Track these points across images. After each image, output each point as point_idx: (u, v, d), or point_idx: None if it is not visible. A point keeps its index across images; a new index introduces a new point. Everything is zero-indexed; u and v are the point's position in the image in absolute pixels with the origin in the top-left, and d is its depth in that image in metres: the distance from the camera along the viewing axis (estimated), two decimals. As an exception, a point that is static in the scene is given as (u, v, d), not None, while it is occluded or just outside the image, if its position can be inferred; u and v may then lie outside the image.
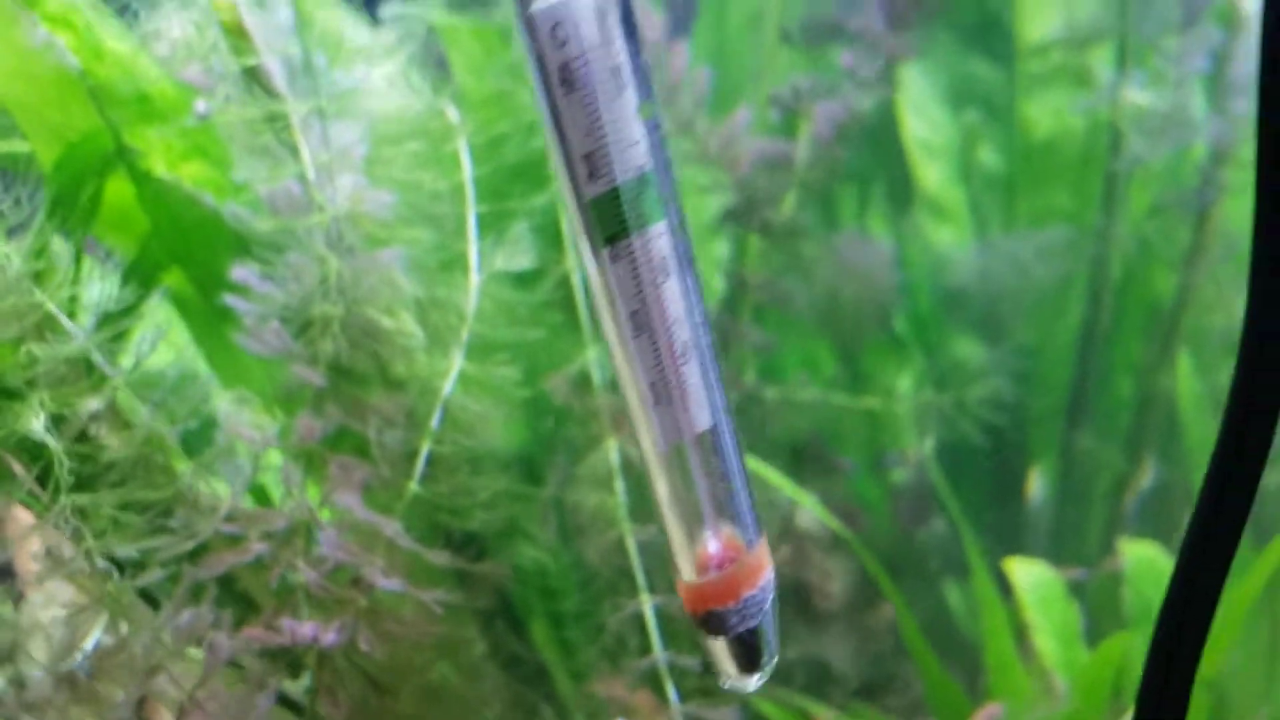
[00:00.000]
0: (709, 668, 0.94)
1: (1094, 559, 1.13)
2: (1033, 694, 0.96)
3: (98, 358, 0.79)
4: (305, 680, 0.87)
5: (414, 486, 0.85)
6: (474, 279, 0.92)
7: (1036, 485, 1.20)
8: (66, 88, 0.93)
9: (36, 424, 0.77)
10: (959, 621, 1.16)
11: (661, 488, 0.47)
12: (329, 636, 0.78)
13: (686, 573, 0.49)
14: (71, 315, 0.84)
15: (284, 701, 0.87)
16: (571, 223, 0.43)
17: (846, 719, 0.93)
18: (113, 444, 0.84)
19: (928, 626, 1.02)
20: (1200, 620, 0.57)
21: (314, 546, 0.81)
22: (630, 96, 0.41)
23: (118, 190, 0.97)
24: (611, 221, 0.42)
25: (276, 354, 0.85)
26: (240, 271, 0.86)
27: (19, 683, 1.28)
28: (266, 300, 0.86)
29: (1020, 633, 0.99)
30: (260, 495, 0.92)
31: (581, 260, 0.97)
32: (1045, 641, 0.96)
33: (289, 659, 0.85)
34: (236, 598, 0.90)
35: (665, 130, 0.43)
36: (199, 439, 0.89)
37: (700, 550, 0.49)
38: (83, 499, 0.78)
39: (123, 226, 0.99)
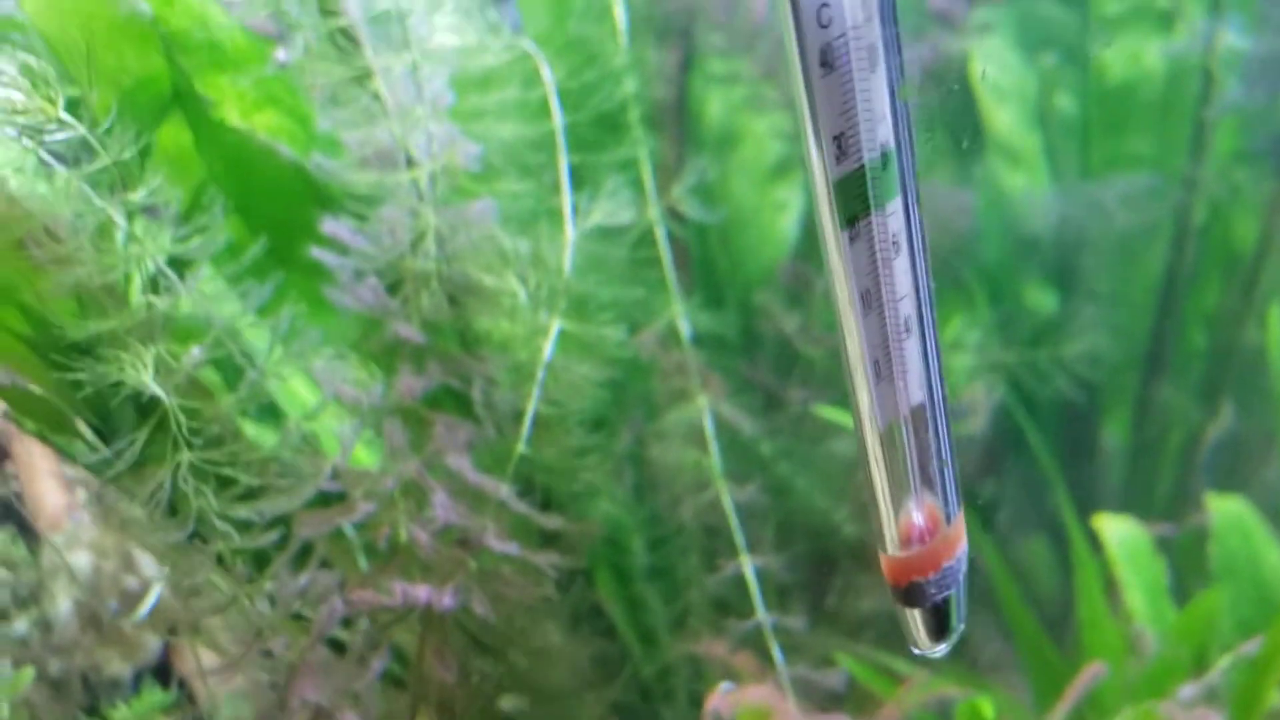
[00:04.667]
0: (817, 628, 0.95)
1: (1168, 512, 1.13)
2: (1123, 650, 0.96)
3: (207, 308, 0.77)
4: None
5: (521, 448, 0.84)
6: (569, 234, 0.90)
7: (1111, 437, 1.20)
8: (131, 33, 0.91)
9: (148, 376, 0.75)
10: (1030, 576, 1.16)
11: (876, 462, 0.46)
12: (445, 599, 0.77)
13: (892, 546, 0.49)
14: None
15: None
16: (815, 200, 0.41)
17: (941, 679, 0.93)
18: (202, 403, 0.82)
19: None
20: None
21: (426, 508, 0.79)
22: (882, 74, 0.40)
23: (172, 138, 0.95)
24: (855, 201, 0.41)
25: (373, 310, 0.83)
26: (332, 225, 0.84)
27: (45, 625, 1.27)
28: (361, 255, 0.84)
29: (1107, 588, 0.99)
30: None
31: (664, 212, 0.96)
32: (1135, 598, 0.96)
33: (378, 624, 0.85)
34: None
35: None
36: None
37: (905, 522, 0.48)
38: (198, 455, 0.76)
39: (176, 175, 0.96)
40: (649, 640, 1.03)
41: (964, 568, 0.51)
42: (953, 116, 1.20)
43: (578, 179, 0.92)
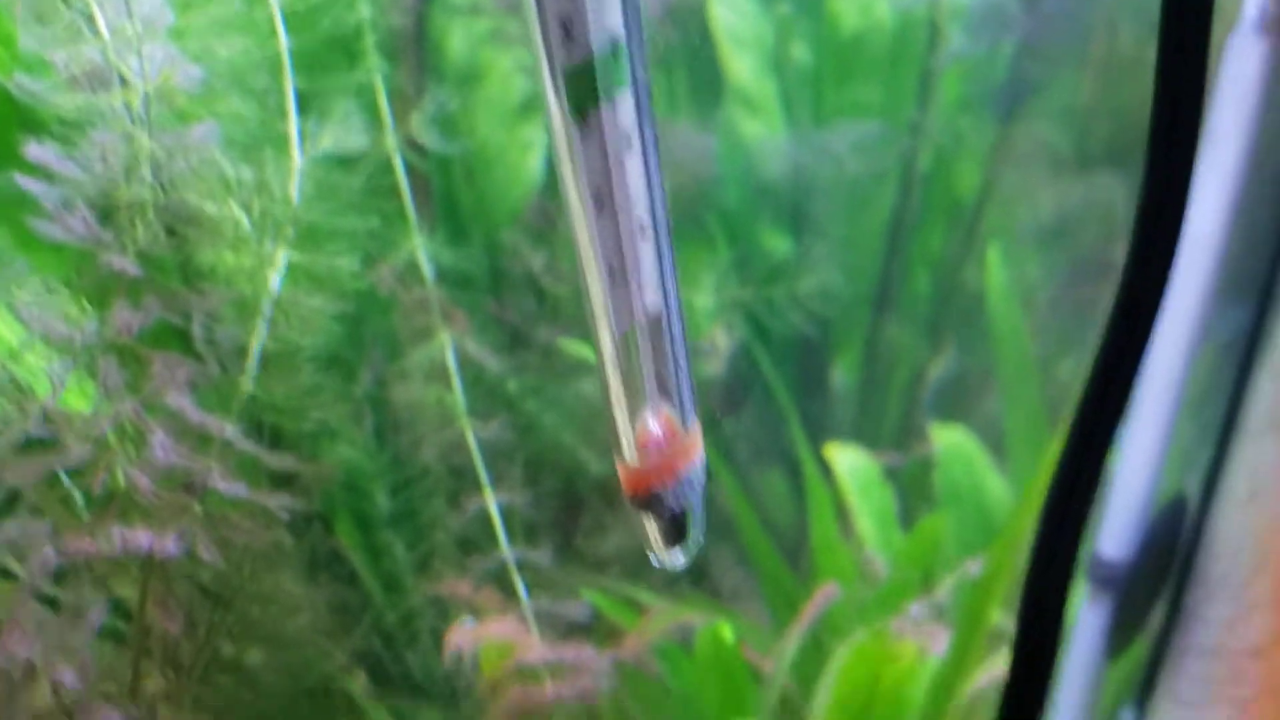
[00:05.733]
0: (561, 562, 0.94)
1: (896, 443, 1.19)
2: (855, 574, 1.00)
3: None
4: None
5: (248, 386, 0.80)
6: (296, 160, 0.86)
7: (842, 373, 1.25)
8: None
9: None
10: (768, 507, 1.20)
11: (612, 370, 0.46)
12: (168, 545, 0.73)
13: (629, 455, 0.48)
14: None
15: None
16: (543, 92, 0.40)
17: (683, 607, 0.95)
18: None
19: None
20: (1084, 499, 0.60)
21: (145, 450, 0.75)
22: (608, -46, 0.39)
23: None
24: (584, 92, 0.40)
25: (84, 242, 0.77)
26: (37, 150, 0.77)
27: None
28: (70, 183, 0.77)
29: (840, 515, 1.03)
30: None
31: (402, 142, 0.94)
32: (865, 524, 1.00)
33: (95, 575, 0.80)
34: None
35: None
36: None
37: (641, 431, 0.48)
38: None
39: None
40: (392, 585, 1.00)
41: (702, 475, 0.51)
42: (693, 62, 1.22)
43: (308, 104, 0.88)
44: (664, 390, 0.47)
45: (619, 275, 0.44)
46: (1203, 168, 0.98)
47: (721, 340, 1.21)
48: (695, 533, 0.52)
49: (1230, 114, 0.96)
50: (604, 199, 0.42)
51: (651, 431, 0.48)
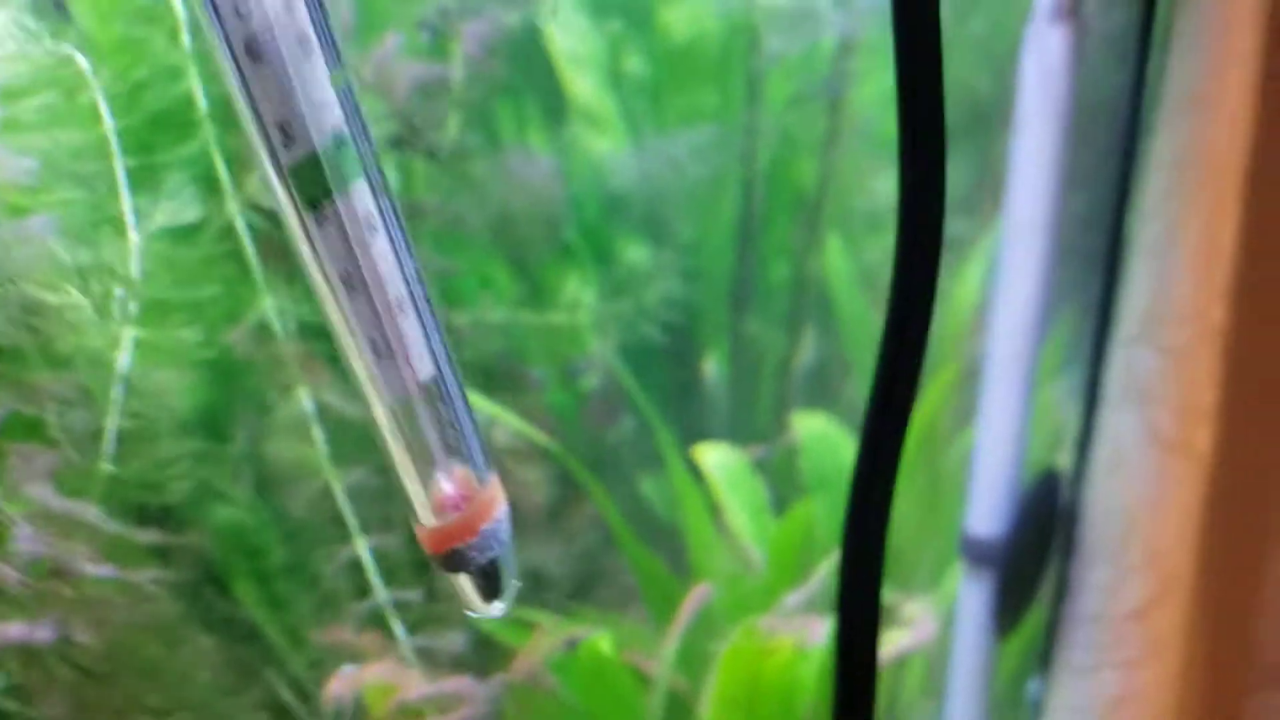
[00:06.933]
0: (437, 598, 0.96)
1: (769, 434, 1.22)
2: (733, 568, 1.04)
3: None
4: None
5: (106, 466, 0.81)
6: (133, 239, 0.87)
7: (711, 372, 1.28)
8: None
9: None
10: (658, 511, 1.23)
11: (391, 440, 0.48)
12: (43, 633, 0.74)
13: (425, 518, 0.51)
14: None
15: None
16: (273, 192, 0.42)
17: (569, 622, 0.97)
18: None
19: (630, 519, 1.08)
20: (886, 481, 0.64)
21: (8, 543, 0.76)
22: (318, 61, 0.41)
23: None
24: (312, 185, 0.42)
25: (-77, 345, 0.79)
26: None
27: None
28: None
29: (715, 512, 1.06)
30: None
31: (241, 208, 0.95)
32: (737, 518, 1.04)
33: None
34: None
35: (355, 87, 0.43)
36: None
37: (436, 494, 0.50)
38: None
39: None
40: (293, 639, 1.02)
41: (507, 527, 0.53)
42: (537, 85, 1.24)
43: (142, 182, 0.89)
44: (452, 452, 0.50)
45: (384, 349, 0.46)
46: (1020, 153, 1.03)
47: (598, 353, 1.24)
48: (510, 582, 0.54)
49: (1039, 99, 1.01)
50: (354, 281, 0.44)
51: (446, 492, 0.50)
